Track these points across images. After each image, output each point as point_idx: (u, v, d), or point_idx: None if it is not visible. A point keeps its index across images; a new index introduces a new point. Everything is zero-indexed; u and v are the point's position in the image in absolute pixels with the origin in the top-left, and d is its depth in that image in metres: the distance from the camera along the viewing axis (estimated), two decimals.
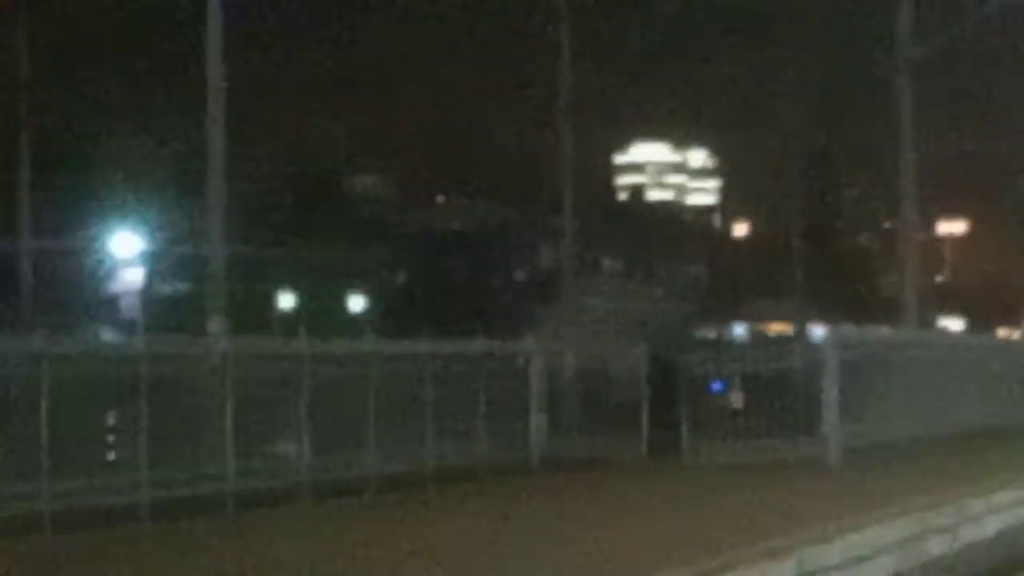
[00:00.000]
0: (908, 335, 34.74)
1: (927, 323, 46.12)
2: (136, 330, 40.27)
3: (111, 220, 49.60)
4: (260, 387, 21.12)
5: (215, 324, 26.55)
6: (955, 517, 20.04)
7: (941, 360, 33.01)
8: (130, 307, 48.58)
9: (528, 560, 15.47)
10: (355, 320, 63.11)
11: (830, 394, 27.09)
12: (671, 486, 24.09)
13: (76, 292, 48.77)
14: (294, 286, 63.96)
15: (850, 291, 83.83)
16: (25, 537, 16.67)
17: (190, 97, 29.83)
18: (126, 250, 48.41)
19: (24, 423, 17.57)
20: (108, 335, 37.16)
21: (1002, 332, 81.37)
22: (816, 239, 71.08)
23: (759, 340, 65.35)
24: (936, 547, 18.98)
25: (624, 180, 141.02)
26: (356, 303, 67.26)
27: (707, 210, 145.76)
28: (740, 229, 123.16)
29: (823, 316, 55.04)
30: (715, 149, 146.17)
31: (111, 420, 19.51)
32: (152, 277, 52.14)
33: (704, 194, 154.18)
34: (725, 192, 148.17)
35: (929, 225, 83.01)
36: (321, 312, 60.30)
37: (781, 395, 27.66)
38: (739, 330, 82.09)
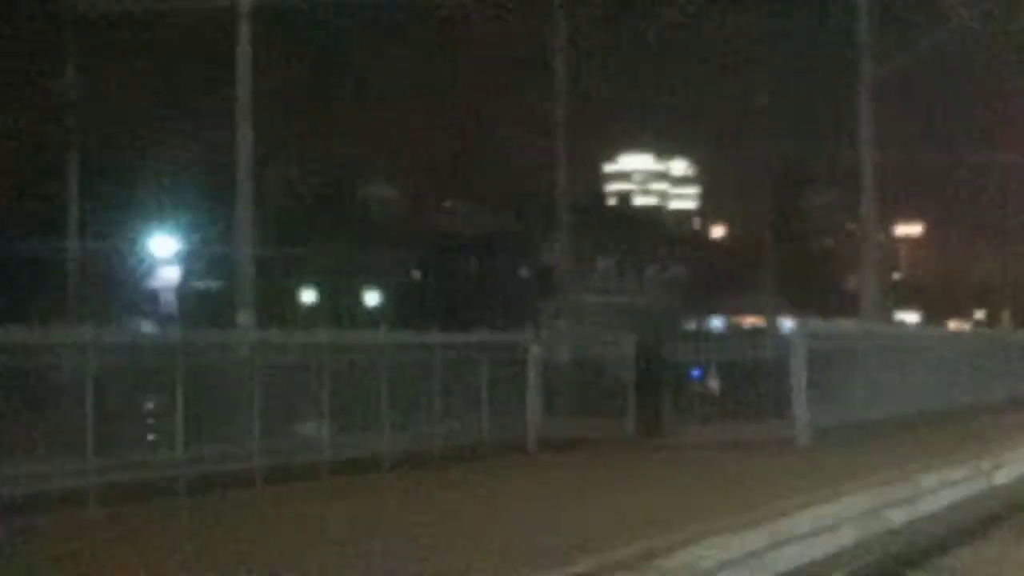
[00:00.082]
0: (869, 327, 34.74)
1: (886, 316, 46.07)
2: (173, 323, 40.38)
3: (150, 223, 49.58)
4: (285, 374, 21.20)
5: (244, 317, 26.59)
6: (913, 491, 20.05)
7: (899, 350, 33.04)
8: (167, 302, 48.65)
9: (529, 523, 15.50)
10: (370, 313, 63.09)
11: (798, 380, 27.12)
12: (655, 463, 24.12)
13: (118, 288, 48.71)
14: (315, 283, 63.95)
15: (816, 288, 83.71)
16: (73, 510, 16.69)
17: (223, 114, 29.82)
18: (164, 250, 48.46)
19: (72, 407, 17.58)
20: (147, 327, 37.17)
21: (953, 325, 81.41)
22: (786, 241, 71.03)
23: (735, 332, 65.29)
24: (896, 517, 18.99)
25: (613, 187, 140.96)
26: (371, 298, 67.24)
27: (687, 215, 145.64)
28: (717, 232, 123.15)
29: (792, 310, 55.03)
30: (695, 159, 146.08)
31: (150, 404, 19.52)
32: (187, 275, 52.13)
33: (685, 200, 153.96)
34: (704, 198, 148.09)
35: (888, 227, 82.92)
36: (340, 306, 60.30)
37: (754, 381, 27.70)
38: (717, 323, 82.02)
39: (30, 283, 39.47)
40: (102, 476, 17.43)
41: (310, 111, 52.72)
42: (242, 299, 26.98)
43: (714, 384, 28.68)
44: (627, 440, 27.50)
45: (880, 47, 37.04)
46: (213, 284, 52.62)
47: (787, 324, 44.74)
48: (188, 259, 51.37)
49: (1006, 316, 76.22)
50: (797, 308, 56.27)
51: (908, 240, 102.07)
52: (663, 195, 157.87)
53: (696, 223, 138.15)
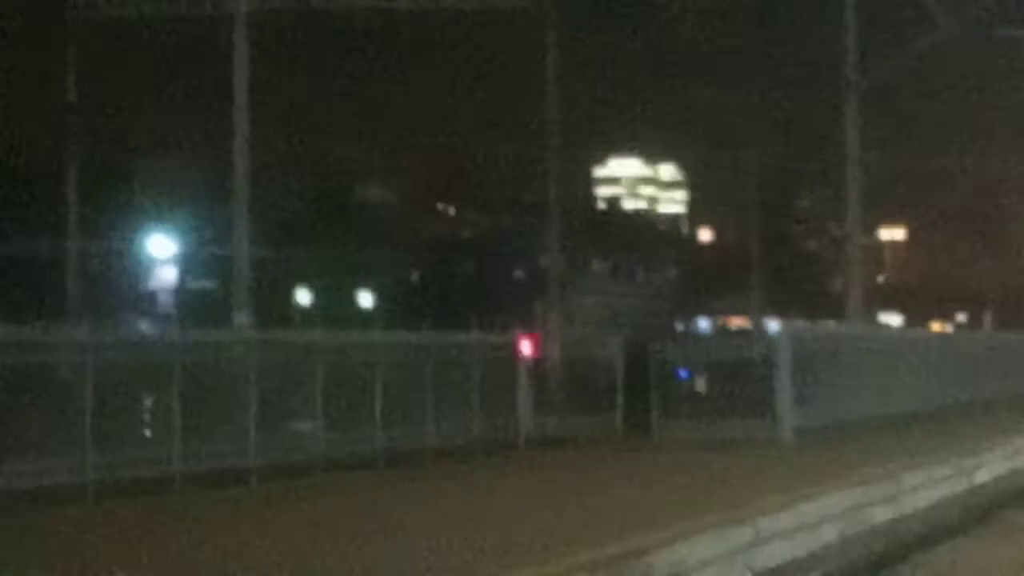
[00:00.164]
0: (853, 329, 34.74)
1: (870, 318, 46.10)
2: (171, 322, 40.33)
3: (149, 225, 49.52)
4: (280, 372, 21.19)
5: (241, 317, 26.58)
6: (896, 489, 20.02)
7: (882, 351, 33.05)
8: (165, 302, 48.60)
9: (518, 519, 15.48)
10: (365, 314, 63.01)
11: (783, 380, 27.12)
12: (643, 461, 24.10)
13: (117, 288, 48.67)
14: (311, 284, 63.87)
15: (802, 290, 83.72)
16: (70, 506, 16.65)
17: (221, 119, 29.82)
18: (162, 251, 48.42)
19: (71, 404, 17.54)
20: (146, 326, 37.14)
21: (935, 326, 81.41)
22: (772, 244, 71.03)
23: (721, 333, 65.39)
24: (879, 515, 18.96)
25: (603, 191, 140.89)
26: (366, 299, 67.16)
27: (676, 218, 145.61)
28: (705, 235, 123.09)
29: (778, 312, 54.99)
30: (683, 164, 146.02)
31: (148, 402, 19.49)
32: (185, 275, 52.11)
33: (673, 204, 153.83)
34: (692, 202, 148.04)
35: (872, 231, 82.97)
36: (334, 307, 60.18)
37: (740, 381, 27.74)
38: (704, 324, 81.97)
39: (30, 283, 39.42)
40: (99, 472, 17.39)
41: (308, 114, 52.80)
42: (239, 299, 26.96)
43: (701, 383, 28.70)
44: (616, 438, 27.50)
45: (867, 55, 37.03)
46: (210, 284, 52.57)
47: (772, 325, 44.72)
48: (185, 260, 51.33)
49: (988, 318, 76.25)
50: (782, 310, 56.27)
51: (892, 244, 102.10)
52: (652, 199, 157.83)
53: (684, 227, 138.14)
